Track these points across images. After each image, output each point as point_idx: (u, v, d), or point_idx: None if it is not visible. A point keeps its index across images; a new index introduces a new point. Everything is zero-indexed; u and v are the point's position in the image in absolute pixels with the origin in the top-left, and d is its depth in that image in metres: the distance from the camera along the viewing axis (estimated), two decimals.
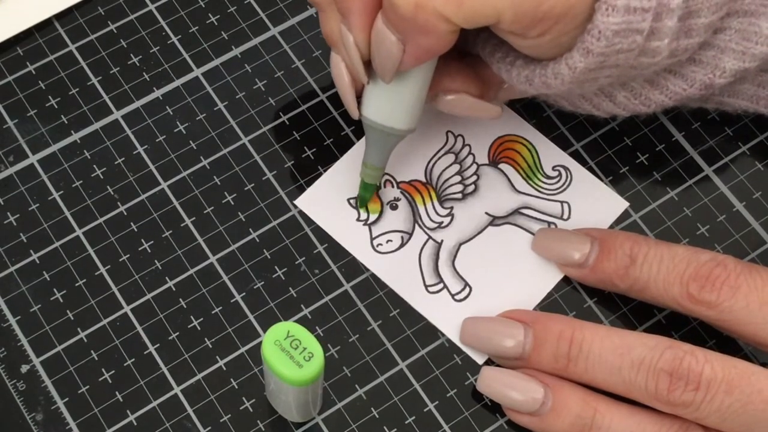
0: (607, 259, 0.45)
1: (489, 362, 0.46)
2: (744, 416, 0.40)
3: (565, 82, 0.42)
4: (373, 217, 0.48)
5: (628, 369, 0.42)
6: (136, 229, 0.48)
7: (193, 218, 0.48)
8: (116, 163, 0.49)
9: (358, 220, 0.48)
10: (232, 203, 0.48)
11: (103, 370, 0.45)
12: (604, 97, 0.46)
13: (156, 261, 0.47)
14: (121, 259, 0.47)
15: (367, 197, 0.48)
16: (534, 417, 0.43)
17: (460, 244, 0.48)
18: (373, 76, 0.44)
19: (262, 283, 0.47)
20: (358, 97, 0.46)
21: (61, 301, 0.46)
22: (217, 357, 0.46)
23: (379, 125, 0.45)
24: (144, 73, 0.51)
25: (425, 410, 0.45)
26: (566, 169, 0.50)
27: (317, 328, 0.46)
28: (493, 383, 0.44)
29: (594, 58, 0.40)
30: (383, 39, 0.41)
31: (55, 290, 0.47)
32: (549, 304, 0.47)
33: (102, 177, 0.49)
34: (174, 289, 0.47)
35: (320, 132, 0.50)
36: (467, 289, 0.47)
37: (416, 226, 0.48)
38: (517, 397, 0.43)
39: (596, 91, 0.45)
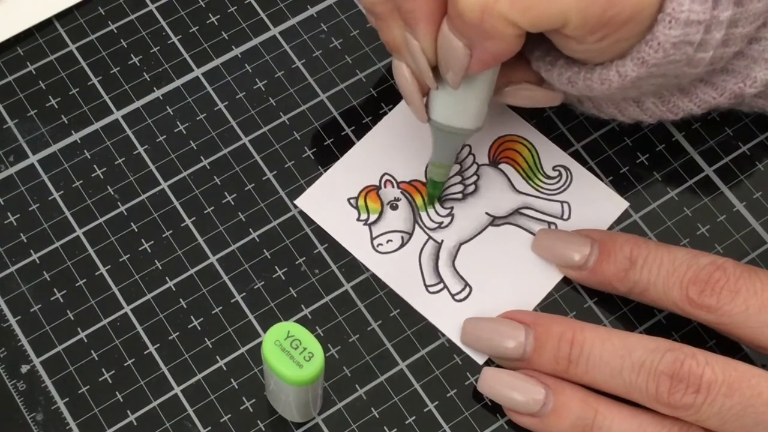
0: (607, 261, 0.45)
1: (489, 362, 0.46)
2: (744, 419, 0.40)
3: (612, 87, 0.42)
4: (373, 217, 0.48)
5: (628, 371, 0.42)
6: (136, 229, 0.48)
7: (194, 218, 0.48)
8: (116, 163, 0.49)
9: (358, 220, 0.48)
10: (232, 203, 0.48)
11: (103, 370, 0.45)
12: (631, 102, 0.46)
13: (156, 261, 0.47)
14: (121, 259, 0.47)
15: (436, 194, 0.48)
16: (535, 418, 0.43)
17: (461, 244, 0.48)
18: (440, 81, 0.44)
19: (262, 283, 0.47)
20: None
21: (61, 301, 0.46)
22: (217, 357, 0.46)
23: (448, 128, 0.45)
24: (144, 73, 0.51)
25: (425, 410, 0.45)
26: (566, 169, 0.50)
27: (317, 328, 0.46)
28: (494, 384, 0.44)
29: (647, 69, 0.40)
30: (450, 45, 0.41)
31: (55, 290, 0.47)
32: (549, 305, 0.47)
33: (102, 177, 0.49)
34: (174, 289, 0.47)
35: (320, 132, 0.50)
36: (467, 289, 0.47)
37: (416, 226, 0.48)
38: (518, 398, 0.43)
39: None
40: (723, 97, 0.44)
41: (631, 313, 0.47)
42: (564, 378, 0.43)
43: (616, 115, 0.47)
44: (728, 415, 0.40)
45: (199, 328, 0.46)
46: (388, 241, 0.48)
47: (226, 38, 0.52)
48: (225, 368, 0.46)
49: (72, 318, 0.46)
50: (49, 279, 0.47)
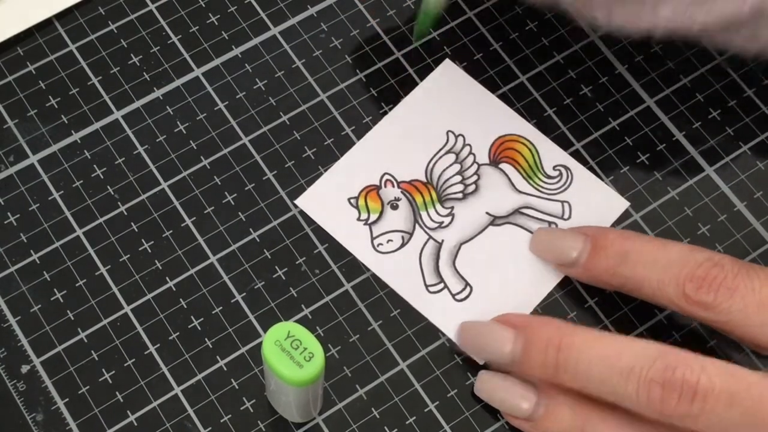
0: (598, 256, 0.44)
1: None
2: (746, 427, 0.39)
3: None
4: (373, 217, 0.48)
5: (617, 378, 0.40)
6: (136, 229, 0.48)
7: (194, 218, 0.48)
8: (116, 163, 0.49)
9: (358, 219, 0.48)
10: (233, 203, 0.48)
11: (103, 370, 0.45)
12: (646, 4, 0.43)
13: (156, 261, 0.47)
14: (121, 259, 0.47)
15: (424, 29, 0.46)
16: (528, 422, 0.43)
17: (461, 244, 0.48)
18: None
19: (263, 283, 0.47)
20: None
21: (61, 301, 0.46)
22: (218, 357, 0.46)
23: None
24: (144, 73, 0.51)
25: (426, 410, 0.45)
26: (567, 168, 0.50)
27: (317, 328, 0.46)
28: (487, 387, 0.44)
29: None
30: None
31: (55, 290, 0.47)
32: (549, 304, 0.47)
33: (102, 177, 0.49)
34: (174, 289, 0.47)
35: (320, 132, 0.50)
36: (468, 288, 0.47)
37: (417, 225, 0.48)
38: (508, 402, 0.43)
39: None
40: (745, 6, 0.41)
41: (632, 312, 0.47)
42: (555, 383, 0.43)
43: (625, 23, 0.44)
44: (729, 424, 0.39)
45: (199, 328, 0.46)
46: (388, 241, 0.48)
47: (226, 38, 0.52)
48: (225, 368, 0.45)
49: (72, 318, 0.46)
50: (49, 279, 0.47)
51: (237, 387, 0.45)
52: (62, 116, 0.50)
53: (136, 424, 0.44)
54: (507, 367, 0.44)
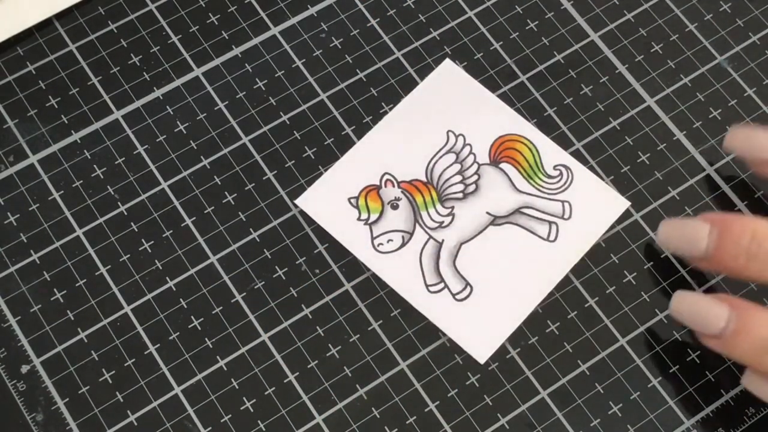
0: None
1: (490, 361, 0.46)
2: None
3: None
4: (374, 217, 0.48)
5: None
6: (136, 229, 0.48)
7: (194, 218, 0.48)
8: (116, 163, 0.49)
9: (358, 219, 0.48)
10: (233, 203, 0.48)
11: (103, 370, 0.45)
12: None
13: (156, 261, 0.47)
14: (121, 259, 0.47)
15: None
16: (719, 339, 0.43)
17: (461, 244, 0.48)
18: None
19: (263, 283, 0.47)
20: None
21: (61, 301, 0.46)
22: (218, 357, 0.46)
23: None
24: (144, 73, 0.51)
25: (426, 410, 0.45)
26: (567, 168, 0.49)
27: (318, 328, 0.46)
28: (681, 303, 0.44)
29: None
30: None
31: (55, 290, 0.47)
32: (550, 304, 0.47)
33: (102, 177, 0.49)
34: (174, 289, 0.47)
35: (320, 131, 0.50)
36: (468, 288, 0.47)
37: (417, 225, 0.48)
38: (701, 318, 0.43)
39: None
40: None
41: (632, 312, 0.47)
42: (743, 277, 0.43)
43: None
44: None
45: (199, 328, 0.46)
46: (388, 241, 0.48)
47: (226, 38, 0.52)
48: (225, 368, 0.45)
49: (72, 318, 0.46)
50: (49, 279, 0.47)
51: (237, 387, 0.45)
52: (62, 116, 0.50)
53: (136, 424, 0.44)
54: (699, 261, 0.44)
